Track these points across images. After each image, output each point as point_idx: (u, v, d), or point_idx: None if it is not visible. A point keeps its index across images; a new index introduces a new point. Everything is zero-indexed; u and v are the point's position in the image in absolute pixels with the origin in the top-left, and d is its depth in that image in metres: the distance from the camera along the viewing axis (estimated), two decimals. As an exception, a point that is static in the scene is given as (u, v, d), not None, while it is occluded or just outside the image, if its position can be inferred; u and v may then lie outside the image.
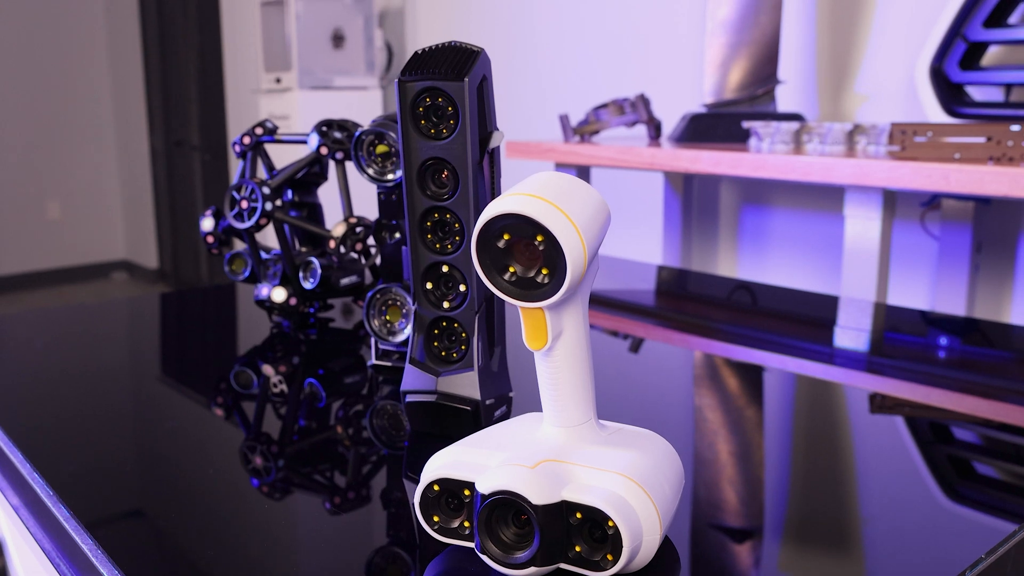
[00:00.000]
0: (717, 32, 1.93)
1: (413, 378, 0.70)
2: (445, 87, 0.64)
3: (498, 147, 0.68)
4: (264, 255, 1.06)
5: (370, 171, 0.84)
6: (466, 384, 0.68)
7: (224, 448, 0.74)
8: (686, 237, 2.31)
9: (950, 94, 1.62)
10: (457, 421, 0.69)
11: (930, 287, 1.97)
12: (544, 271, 0.47)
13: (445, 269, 0.68)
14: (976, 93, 1.76)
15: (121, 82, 5.93)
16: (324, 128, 1.01)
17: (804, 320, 1.21)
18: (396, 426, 0.77)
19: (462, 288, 0.68)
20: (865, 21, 2.04)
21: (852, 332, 1.13)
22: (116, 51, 5.92)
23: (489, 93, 0.67)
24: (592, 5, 2.79)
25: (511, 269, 0.47)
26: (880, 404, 0.85)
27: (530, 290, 0.47)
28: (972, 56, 1.60)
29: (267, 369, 0.95)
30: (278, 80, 3.42)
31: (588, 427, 0.53)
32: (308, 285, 1.01)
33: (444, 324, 0.70)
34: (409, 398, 0.70)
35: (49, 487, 0.63)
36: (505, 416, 0.73)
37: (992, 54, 1.77)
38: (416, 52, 0.66)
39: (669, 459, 0.54)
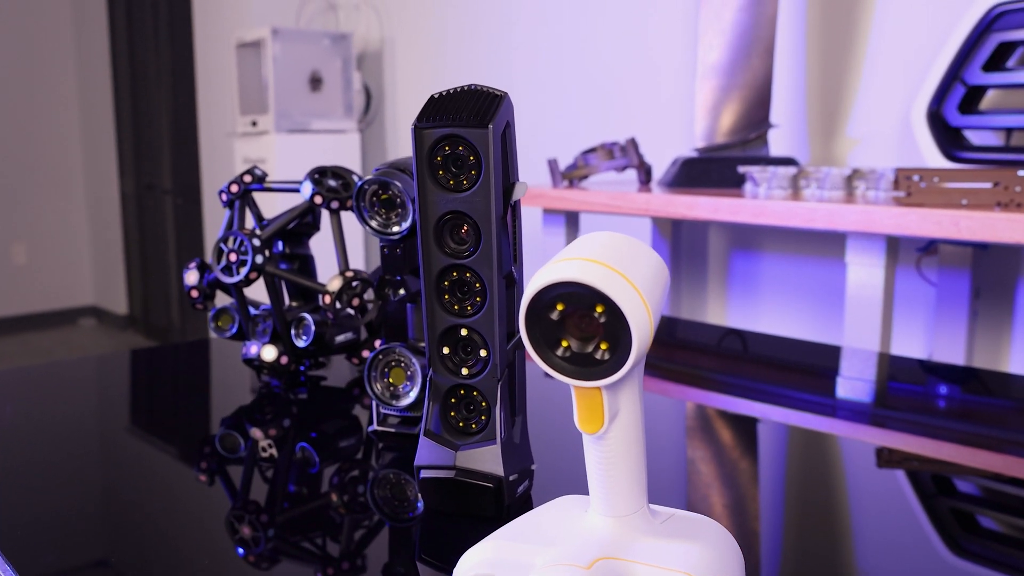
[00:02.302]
0: (708, 75, 1.90)
1: (428, 452, 0.63)
2: (467, 135, 0.58)
3: (519, 200, 0.63)
4: (253, 311, 0.99)
5: (373, 223, 0.78)
6: (488, 459, 0.62)
7: (209, 518, 0.68)
8: (675, 283, 2.27)
9: (949, 138, 1.60)
10: (478, 499, 0.62)
11: (927, 334, 1.94)
12: (603, 346, 0.41)
13: (464, 333, 0.62)
14: (973, 137, 1.73)
15: (90, 123, 5.84)
16: (317, 176, 0.95)
17: (804, 370, 1.16)
18: (400, 497, 0.70)
19: (483, 353, 0.62)
20: (856, 65, 2.03)
21: (856, 383, 1.08)
22: (86, 92, 5.85)
23: (512, 141, 0.61)
24: (573, 48, 2.77)
25: (564, 343, 0.41)
26: (887, 459, 0.81)
27: (587, 367, 0.41)
28: (970, 100, 1.58)
29: (255, 432, 0.88)
30: (254, 123, 3.36)
31: (641, 516, 0.47)
32: (301, 343, 0.95)
33: (462, 392, 0.63)
34: (424, 473, 0.64)
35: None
36: (528, 492, 0.66)
37: (988, 97, 1.75)
38: (433, 96, 0.60)
39: (731, 551, 0.48)
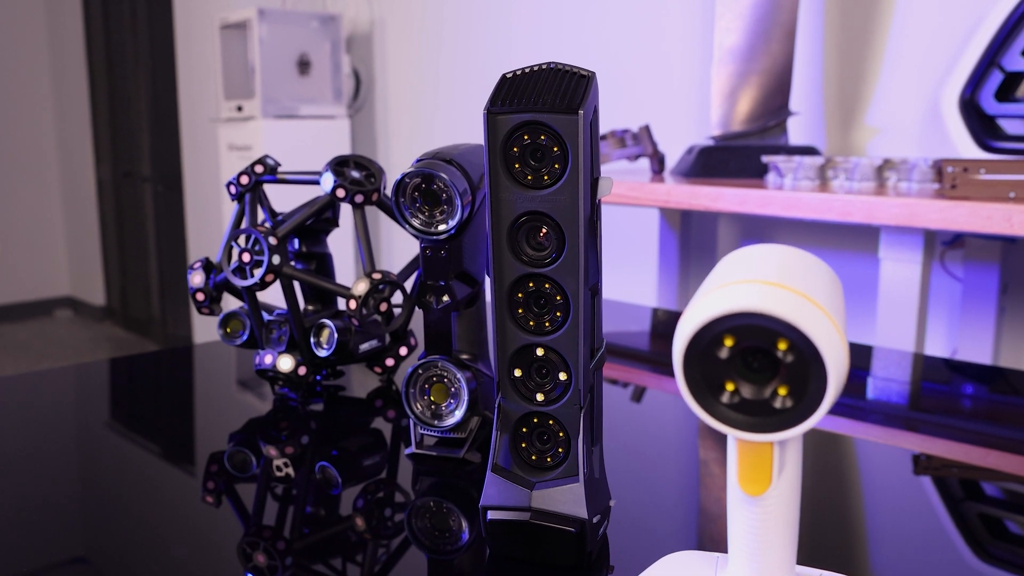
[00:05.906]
0: (725, 60, 1.81)
1: (498, 490, 0.55)
2: (551, 122, 0.49)
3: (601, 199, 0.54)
4: (266, 316, 0.90)
5: (415, 222, 0.69)
6: (569, 498, 0.53)
7: (219, 543, 0.60)
8: (683, 277, 2.19)
9: (984, 127, 1.52)
10: (556, 546, 0.54)
11: (952, 331, 1.87)
12: (782, 390, 0.32)
13: (540, 352, 0.53)
14: (1007, 126, 1.66)
15: (65, 107, 5.68)
16: (339, 167, 0.86)
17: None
18: (441, 527, 0.62)
19: (562, 377, 0.53)
20: (876, 51, 1.95)
21: (890, 384, 1.02)
22: (59, 74, 5.68)
23: (597, 130, 0.52)
24: (576, 28, 2.68)
25: (729, 387, 0.33)
26: (926, 466, 0.75)
27: (761, 417, 0.33)
28: (1008, 87, 1.50)
29: (270, 450, 0.79)
30: (239, 108, 3.24)
31: (790, 586, 0.39)
32: (322, 352, 0.86)
33: (535, 421, 0.55)
34: (492, 515, 0.55)
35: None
36: (605, 534, 0.58)
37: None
38: (505, 76, 0.51)
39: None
